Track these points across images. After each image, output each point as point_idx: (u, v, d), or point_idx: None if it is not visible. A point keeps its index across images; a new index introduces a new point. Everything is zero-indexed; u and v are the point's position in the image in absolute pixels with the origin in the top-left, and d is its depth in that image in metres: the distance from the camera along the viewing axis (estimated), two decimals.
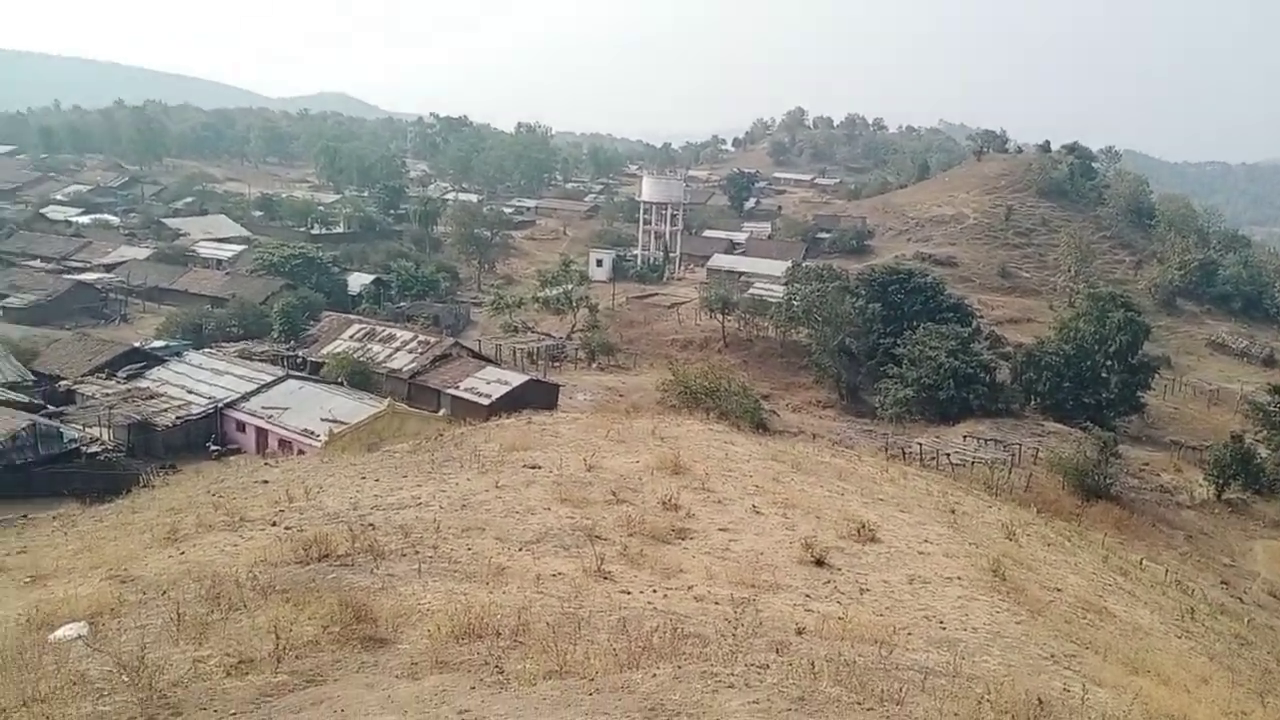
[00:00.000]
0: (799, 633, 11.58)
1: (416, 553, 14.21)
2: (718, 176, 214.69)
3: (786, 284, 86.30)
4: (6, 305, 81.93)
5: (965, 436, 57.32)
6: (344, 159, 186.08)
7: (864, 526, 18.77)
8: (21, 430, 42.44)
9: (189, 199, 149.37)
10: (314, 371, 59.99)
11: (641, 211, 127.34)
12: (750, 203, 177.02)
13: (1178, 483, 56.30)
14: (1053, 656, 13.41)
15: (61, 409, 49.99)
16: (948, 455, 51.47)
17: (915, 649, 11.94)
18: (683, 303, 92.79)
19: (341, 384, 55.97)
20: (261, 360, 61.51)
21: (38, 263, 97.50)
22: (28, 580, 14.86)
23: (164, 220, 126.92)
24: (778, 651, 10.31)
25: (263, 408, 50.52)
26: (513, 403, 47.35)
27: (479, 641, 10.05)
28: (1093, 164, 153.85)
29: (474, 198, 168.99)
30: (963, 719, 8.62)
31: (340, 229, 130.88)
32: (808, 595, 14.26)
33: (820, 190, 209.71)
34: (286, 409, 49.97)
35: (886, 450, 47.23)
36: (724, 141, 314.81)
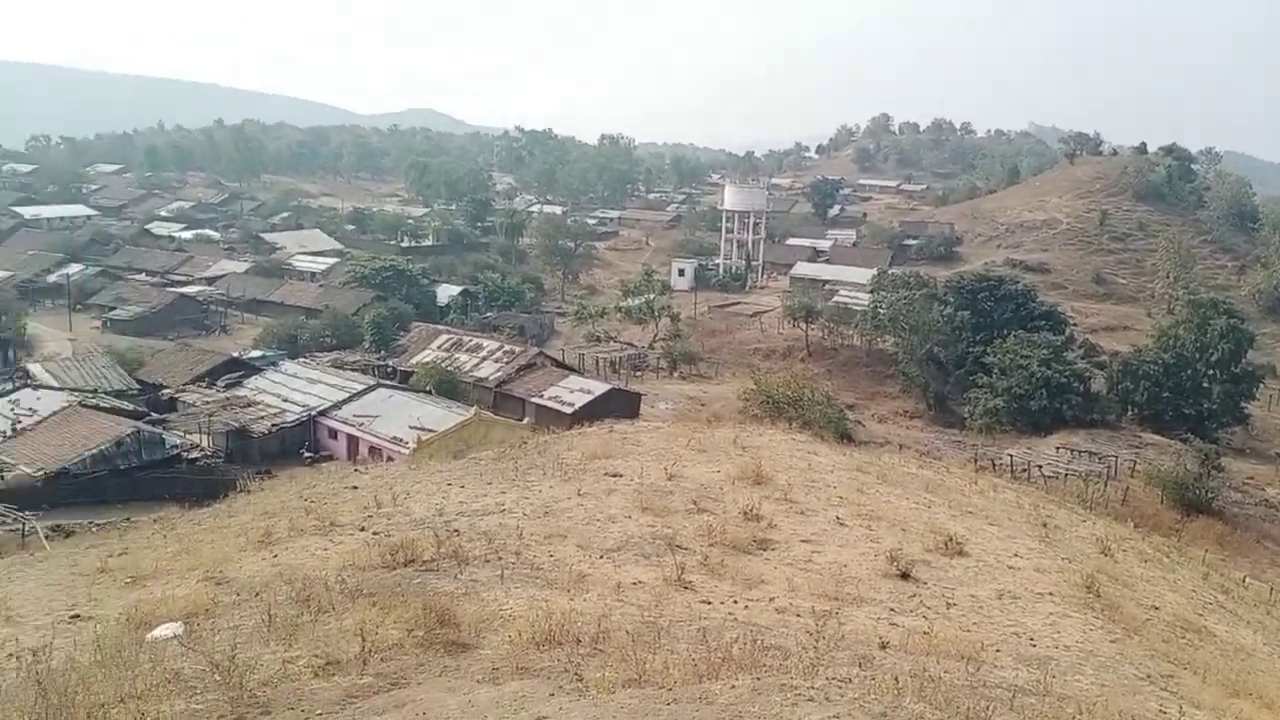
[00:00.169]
0: (882, 647, 11.36)
1: (499, 559, 14.37)
2: (801, 184, 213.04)
3: (872, 291, 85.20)
4: (114, 317, 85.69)
5: (1058, 448, 55.84)
6: (432, 173, 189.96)
7: (951, 539, 18.33)
8: (126, 437, 44.29)
9: (285, 214, 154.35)
10: (403, 380, 61.26)
11: (724, 220, 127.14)
12: (834, 210, 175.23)
13: None
14: (1149, 677, 12.90)
15: (164, 416, 52.01)
16: (1039, 467, 50.13)
17: (1004, 666, 11.61)
18: (765, 311, 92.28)
19: (429, 392, 57.03)
20: (353, 369, 63.11)
21: (143, 276, 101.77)
22: (128, 581, 15.43)
23: (261, 235, 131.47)
24: (860, 666, 10.12)
25: (354, 415, 51.77)
26: (595, 411, 47.61)
27: (559, 648, 10.10)
28: (1192, 166, 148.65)
29: (558, 209, 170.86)
30: None
31: (429, 242, 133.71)
32: (892, 609, 13.98)
33: (906, 196, 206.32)
34: (377, 417, 51.11)
35: (975, 461, 46.17)
36: (808, 149, 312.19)
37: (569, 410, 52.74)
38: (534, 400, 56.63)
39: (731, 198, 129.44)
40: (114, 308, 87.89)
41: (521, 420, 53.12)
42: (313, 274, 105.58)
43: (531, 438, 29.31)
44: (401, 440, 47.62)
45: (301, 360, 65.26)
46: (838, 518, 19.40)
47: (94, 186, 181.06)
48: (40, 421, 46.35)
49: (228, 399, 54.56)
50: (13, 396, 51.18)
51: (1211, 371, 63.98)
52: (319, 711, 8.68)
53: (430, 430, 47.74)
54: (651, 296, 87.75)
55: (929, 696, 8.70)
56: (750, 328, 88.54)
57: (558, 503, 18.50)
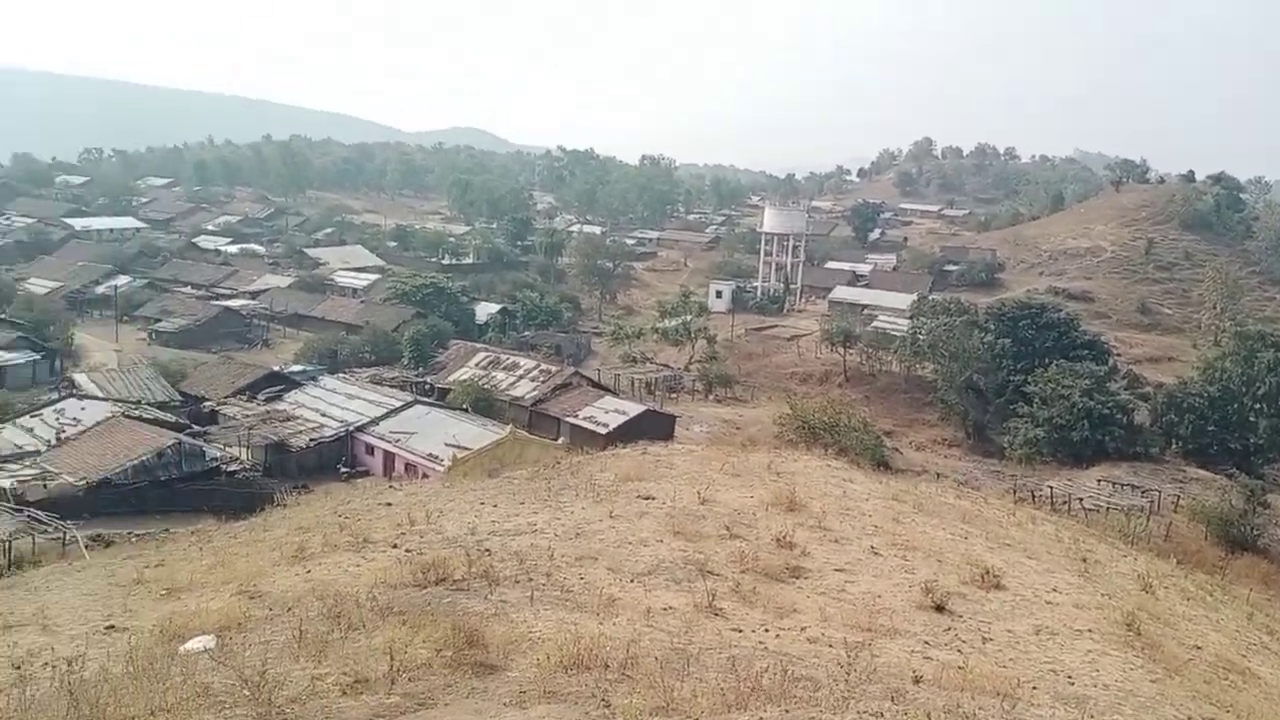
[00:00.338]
0: (916, 681, 11.16)
1: (530, 580, 14.34)
2: (842, 207, 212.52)
3: (912, 317, 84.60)
4: (159, 329, 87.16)
5: (1099, 480, 54.88)
6: (475, 191, 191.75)
7: (988, 572, 18.02)
8: (168, 448, 44.94)
9: (329, 230, 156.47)
10: (440, 397, 61.66)
11: (763, 242, 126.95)
12: (875, 234, 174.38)
13: None
14: (1190, 719, 12.59)
15: (205, 429, 52.72)
16: (1080, 500, 49.30)
17: (1040, 704, 11.37)
18: (803, 335, 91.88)
19: (466, 410, 57.36)
20: (391, 386, 63.65)
21: (188, 289, 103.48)
22: (164, 593, 15.60)
23: (305, 250, 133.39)
24: (892, 700, 9.96)
25: (391, 432, 52.16)
26: (629, 432, 47.63)
27: (587, 673, 10.03)
28: (1240, 195, 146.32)
29: (598, 229, 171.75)
30: None
31: (469, 260, 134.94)
32: (926, 642, 13.75)
33: (948, 221, 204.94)
34: (413, 433, 51.46)
35: (1014, 492, 45.53)
36: (849, 172, 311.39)
37: (603, 431, 52.80)
38: (569, 420, 56.76)
39: (771, 220, 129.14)
40: (159, 320, 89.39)
41: (556, 440, 53.23)
42: (354, 290, 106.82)
43: (565, 458, 29.31)
44: (437, 457, 47.89)
45: (341, 375, 65.95)
46: (872, 547, 19.17)
47: (144, 199, 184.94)
48: (84, 431, 47.22)
49: (267, 413, 55.23)
50: (58, 406, 52.22)
51: (1258, 405, 62.68)
52: None
53: (466, 448, 47.98)
54: (688, 318, 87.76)
55: None
56: (787, 351, 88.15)
57: (589, 524, 18.45)
